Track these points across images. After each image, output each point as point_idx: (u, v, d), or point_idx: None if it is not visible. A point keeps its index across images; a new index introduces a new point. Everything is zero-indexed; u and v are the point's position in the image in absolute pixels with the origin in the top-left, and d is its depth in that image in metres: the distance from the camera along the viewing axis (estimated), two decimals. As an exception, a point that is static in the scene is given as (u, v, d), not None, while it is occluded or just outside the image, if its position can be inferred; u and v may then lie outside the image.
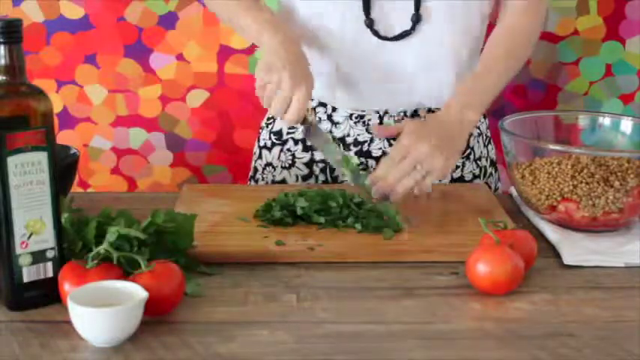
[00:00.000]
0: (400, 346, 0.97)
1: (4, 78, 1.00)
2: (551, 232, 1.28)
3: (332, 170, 1.57)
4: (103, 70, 2.11)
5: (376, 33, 1.47)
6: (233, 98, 2.15)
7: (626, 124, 1.44)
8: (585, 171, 1.26)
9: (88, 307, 0.94)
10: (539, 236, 1.27)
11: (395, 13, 1.47)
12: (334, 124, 1.56)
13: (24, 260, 1.02)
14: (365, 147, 1.56)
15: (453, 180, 1.58)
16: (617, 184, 1.25)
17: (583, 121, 1.50)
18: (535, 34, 1.54)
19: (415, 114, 1.55)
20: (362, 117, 1.55)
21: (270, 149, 1.61)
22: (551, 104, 2.13)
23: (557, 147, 1.31)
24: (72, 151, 1.40)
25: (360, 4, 1.46)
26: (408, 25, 1.47)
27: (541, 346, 0.97)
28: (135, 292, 0.98)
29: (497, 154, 2.13)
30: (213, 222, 1.30)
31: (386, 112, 1.54)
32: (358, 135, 1.55)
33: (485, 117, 1.66)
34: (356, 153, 1.55)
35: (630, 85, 2.12)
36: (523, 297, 1.09)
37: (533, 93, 2.13)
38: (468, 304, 1.07)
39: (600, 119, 1.48)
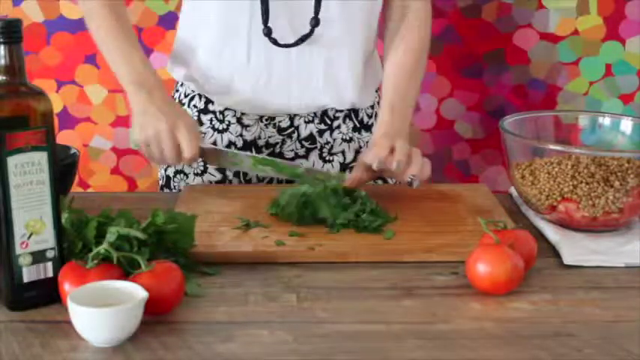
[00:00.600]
0: (400, 346, 0.97)
1: (4, 78, 1.00)
2: (551, 232, 1.28)
3: (245, 174, 1.57)
4: (103, 70, 2.11)
5: (275, 41, 1.46)
6: (233, 98, 2.15)
7: (626, 124, 1.44)
8: (585, 171, 1.26)
9: (88, 307, 0.94)
10: (539, 236, 1.27)
11: (294, 19, 1.47)
12: (244, 127, 1.55)
13: (24, 260, 1.02)
14: (277, 149, 1.57)
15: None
16: (617, 184, 1.25)
17: (583, 121, 1.50)
18: (428, 46, 1.56)
19: (325, 115, 1.56)
20: (272, 119, 1.55)
21: None
22: (551, 104, 2.13)
23: (557, 147, 1.31)
24: (72, 151, 1.40)
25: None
26: (307, 29, 1.47)
27: (541, 346, 0.97)
28: (135, 292, 0.98)
29: (497, 153, 2.13)
30: (213, 222, 1.30)
31: (295, 115, 1.55)
32: (269, 137, 1.56)
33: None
34: (268, 155, 1.55)
35: (630, 85, 2.12)
36: (523, 297, 1.09)
37: (533, 93, 2.13)
38: (468, 304, 1.07)
39: (600, 119, 1.48)
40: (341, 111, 1.58)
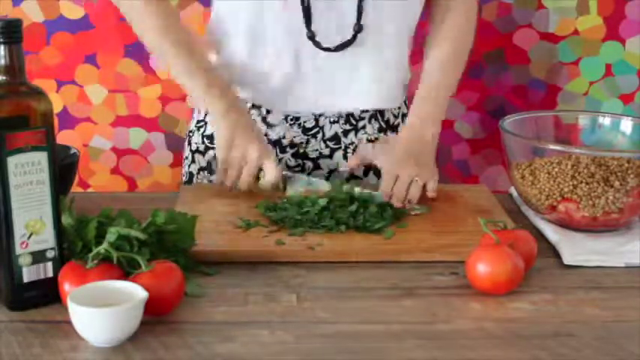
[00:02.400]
0: (400, 346, 0.97)
1: (4, 78, 1.00)
2: (551, 232, 1.28)
3: None
4: (103, 70, 2.11)
5: (318, 44, 1.47)
6: (233, 98, 2.15)
7: (626, 124, 1.44)
8: (585, 171, 1.26)
9: (88, 307, 0.94)
10: (539, 236, 1.27)
11: (336, 23, 1.47)
12: (269, 126, 1.56)
13: (24, 260, 1.02)
14: (301, 149, 1.56)
15: None
16: (617, 184, 1.25)
17: (583, 121, 1.50)
18: (473, 28, 1.58)
19: (350, 115, 1.56)
20: (297, 119, 1.55)
21: (203, 153, 1.60)
22: (551, 104, 2.13)
23: (557, 147, 1.31)
24: (72, 151, 1.40)
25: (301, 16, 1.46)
26: (349, 34, 1.47)
27: (541, 346, 0.97)
28: (135, 292, 0.98)
29: (497, 153, 2.13)
30: (213, 222, 1.30)
31: (321, 115, 1.55)
32: (294, 137, 1.56)
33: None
34: (292, 155, 1.56)
35: (630, 85, 2.12)
36: (523, 297, 1.09)
37: (533, 93, 2.13)
38: (468, 304, 1.07)
39: (600, 119, 1.48)
40: (366, 111, 1.57)
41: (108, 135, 2.15)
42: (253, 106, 1.56)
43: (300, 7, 1.45)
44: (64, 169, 1.32)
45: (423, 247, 1.22)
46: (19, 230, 1.01)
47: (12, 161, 0.99)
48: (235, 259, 1.19)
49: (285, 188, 1.43)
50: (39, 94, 1.02)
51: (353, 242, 1.23)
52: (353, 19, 1.47)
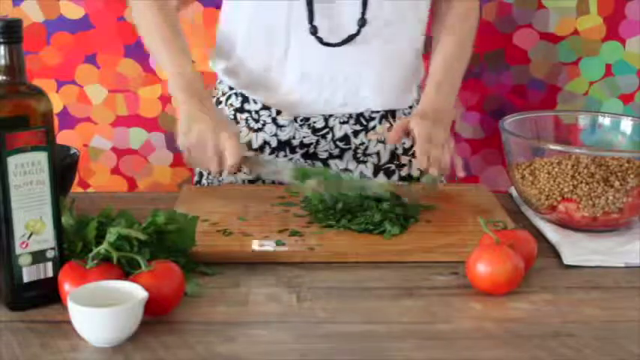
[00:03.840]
0: (400, 346, 0.97)
1: (4, 78, 1.00)
2: (551, 232, 1.28)
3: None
4: (103, 70, 2.11)
5: (320, 40, 1.47)
6: (233, 98, 2.15)
7: (626, 124, 1.44)
8: (585, 171, 1.26)
9: (88, 307, 0.94)
10: (539, 236, 1.27)
11: (340, 18, 1.47)
12: (279, 127, 1.55)
13: (24, 260, 1.02)
14: (311, 149, 1.56)
15: (401, 178, 1.60)
16: (617, 184, 1.25)
17: (583, 121, 1.50)
18: (477, 18, 1.60)
19: (360, 115, 1.56)
20: (307, 119, 1.55)
21: None
22: (551, 104, 2.13)
23: (557, 147, 1.31)
24: (72, 151, 1.40)
25: (305, 11, 1.45)
26: (353, 29, 1.47)
27: (541, 346, 0.97)
28: (135, 292, 0.98)
29: (497, 153, 2.13)
30: (212, 222, 1.30)
31: (330, 115, 1.55)
32: (304, 137, 1.56)
33: None
34: (302, 155, 1.56)
35: (630, 85, 2.12)
36: (523, 297, 1.09)
37: (533, 93, 2.13)
38: (468, 304, 1.07)
39: (600, 119, 1.48)
40: (377, 111, 1.57)
41: (108, 135, 2.15)
42: (263, 107, 1.56)
43: (305, 5, 1.44)
44: (64, 169, 1.32)
45: (422, 247, 1.22)
46: (19, 230, 1.01)
47: (12, 161, 0.99)
48: (235, 259, 1.19)
49: (251, 171, 1.41)
50: (39, 94, 1.02)
51: (353, 242, 1.23)
52: (357, 15, 1.46)
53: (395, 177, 1.59)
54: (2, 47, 0.99)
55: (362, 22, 1.46)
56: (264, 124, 1.56)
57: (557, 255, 1.22)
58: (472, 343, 0.98)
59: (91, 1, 2.07)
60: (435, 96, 1.48)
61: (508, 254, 1.08)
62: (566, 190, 1.27)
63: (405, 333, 1.00)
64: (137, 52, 2.09)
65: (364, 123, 1.57)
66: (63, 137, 2.11)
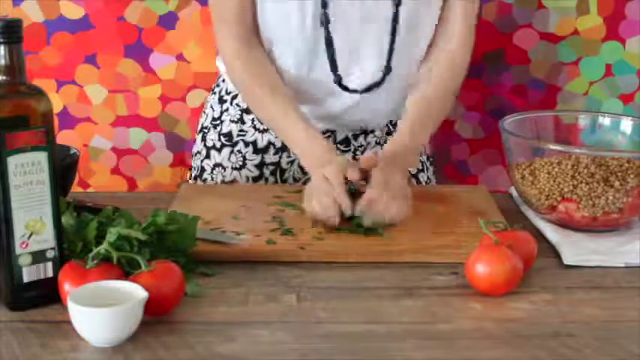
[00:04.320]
0: (400, 346, 0.97)
1: (4, 78, 1.00)
2: (551, 232, 1.28)
3: (282, 172, 1.59)
4: (103, 70, 2.11)
5: (345, 88, 1.49)
6: (233, 98, 2.15)
7: (626, 124, 1.44)
8: (585, 171, 1.26)
9: (88, 307, 0.94)
10: (539, 236, 1.27)
11: (363, 65, 1.48)
12: None
13: (24, 260, 1.02)
14: None
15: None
16: (617, 184, 1.25)
17: (583, 121, 1.50)
18: (466, 65, 1.56)
19: (362, 132, 1.60)
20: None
21: (219, 150, 1.62)
22: (551, 104, 2.13)
23: (557, 147, 1.31)
24: (72, 151, 1.40)
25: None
26: (377, 76, 1.49)
27: (541, 346, 0.97)
28: (135, 292, 0.98)
29: (497, 153, 2.13)
30: (206, 221, 1.29)
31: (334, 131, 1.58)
32: None
33: None
34: None
35: (630, 85, 2.12)
36: (523, 297, 1.09)
37: (533, 93, 2.13)
38: (468, 304, 1.07)
39: (600, 119, 1.48)
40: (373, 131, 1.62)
41: (108, 135, 2.15)
42: None
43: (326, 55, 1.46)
44: (64, 169, 1.32)
45: (421, 247, 1.21)
46: (19, 230, 1.01)
47: (12, 161, 0.99)
48: (235, 259, 1.19)
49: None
50: (39, 94, 1.02)
51: (353, 242, 1.23)
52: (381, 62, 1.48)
53: None
54: (2, 47, 0.99)
55: (386, 71, 1.49)
56: None
57: (557, 255, 1.22)
58: (472, 343, 0.98)
59: (91, 1, 2.06)
60: (408, 137, 1.43)
61: (507, 255, 1.08)
62: (566, 190, 1.27)
63: (405, 333, 1.00)
64: (137, 52, 2.09)
65: (365, 128, 1.60)
66: (63, 137, 2.11)
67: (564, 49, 2.10)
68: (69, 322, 0.97)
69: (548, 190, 1.29)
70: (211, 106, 1.67)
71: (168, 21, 2.08)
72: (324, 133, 1.56)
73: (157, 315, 1.01)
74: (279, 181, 1.60)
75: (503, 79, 2.12)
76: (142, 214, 1.14)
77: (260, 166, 1.60)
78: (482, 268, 1.07)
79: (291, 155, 1.58)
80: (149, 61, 2.10)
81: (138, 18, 2.07)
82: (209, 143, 1.64)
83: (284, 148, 1.58)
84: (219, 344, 0.97)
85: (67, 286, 1.00)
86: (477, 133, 2.16)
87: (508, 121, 1.40)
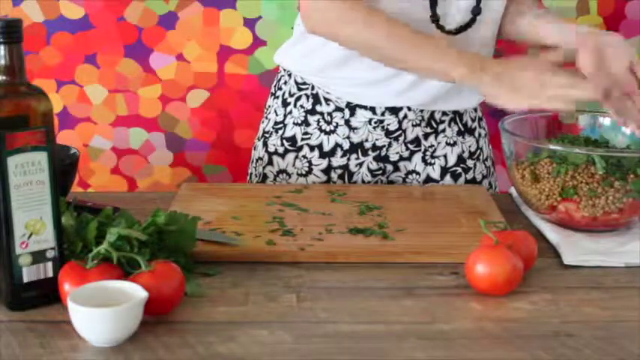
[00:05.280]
0: (400, 346, 0.97)
1: (4, 78, 1.00)
2: (551, 232, 1.28)
3: (350, 176, 1.56)
4: (103, 70, 2.11)
5: (442, 28, 1.46)
6: (233, 98, 2.15)
7: (626, 124, 1.44)
8: (585, 171, 1.26)
9: (88, 307, 0.94)
10: (539, 236, 1.27)
11: (455, 9, 1.47)
12: (352, 129, 1.54)
13: (24, 260, 1.02)
14: (383, 152, 1.55)
15: (466, 181, 1.59)
16: (617, 184, 1.25)
17: (583, 121, 1.50)
18: None
19: (431, 118, 1.55)
20: (381, 121, 1.54)
21: (282, 156, 1.58)
22: (551, 104, 2.12)
23: (557, 147, 1.31)
24: (72, 151, 1.40)
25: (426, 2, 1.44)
26: (467, 17, 1.48)
27: (541, 346, 0.97)
28: (135, 292, 0.98)
29: (497, 153, 2.13)
30: (206, 221, 1.29)
31: (404, 118, 1.53)
32: (376, 140, 1.55)
33: (482, 118, 1.66)
34: (374, 158, 1.55)
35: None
36: (523, 297, 1.09)
37: (533, 93, 2.12)
38: (468, 304, 1.07)
39: (600, 119, 1.48)
40: (446, 114, 1.56)
41: (108, 135, 2.15)
42: (336, 108, 1.54)
43: None
44: (64, 169, 1.32)
45: (421, 247, 1.21)
46: (19, 230, 1.01)
47: (12, 161, 0.99)
48: (235, 259, 1.19)
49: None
50: (39, 94, 1.02)
51: (352, 243, 1.23)
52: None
53: (461, 179, 1.59)
54: (2, 47, 0.99)
55: (477, 10, 1.48)
56: (336, 126, 1.55)
57: (557, 255, 1.22)
58: (472, 343, 0.98)
59: (91, 1, 2.07)
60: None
61: (507, 255, 1.08)
62: (566, 190, 1.27)
63: (405, 333, 1.00)
64: (137, 52, 2.09)
65: (434, 125, 1.56)
66: (63, 137, 2.11)
67: (564, 49, 2.09)
68: (69, 322, 0.97)
69: (548, 190, 1.29)
70: (275, 111, 1.61)
71: (168, 21, 2.08)
72: (380, 122, 1.53)
73: (157, 315, 1.01)
74: (347, 183, 1.56)
75: (503, 79, 2.11)
76: (142, 214, 1.14)
77: (327, 170, 1.56)
78: (482, 268, 1.07)
79: (359, 157, 1.55)
80: (149, 61, 2.10)
81: (138, 18, 2.07)
82: (271, 149, 1.59)
83: (352, 150, 1.55)
84: (219, 344, 0.97)
85: (67, 286, 1.00)
86: (477, 133, 2.16)
87: (508, 121, 1.40)
